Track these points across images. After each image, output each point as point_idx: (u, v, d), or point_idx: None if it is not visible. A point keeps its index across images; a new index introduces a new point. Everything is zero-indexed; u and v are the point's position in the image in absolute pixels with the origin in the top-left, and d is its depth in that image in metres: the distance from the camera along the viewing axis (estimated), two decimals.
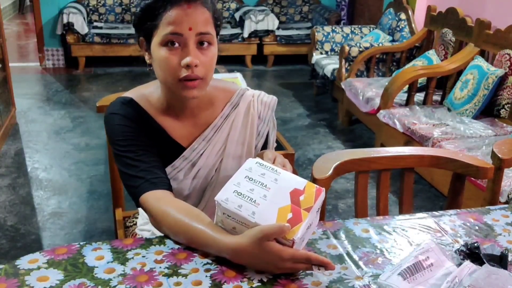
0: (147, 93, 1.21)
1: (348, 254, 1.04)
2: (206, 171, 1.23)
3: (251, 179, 0.99)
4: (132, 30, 5.39)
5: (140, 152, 1.14)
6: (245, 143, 1.24)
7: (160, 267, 0.96)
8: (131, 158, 1.13)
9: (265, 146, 1.31)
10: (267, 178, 0.99)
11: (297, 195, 0.96)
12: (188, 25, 1.06)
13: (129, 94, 1.21)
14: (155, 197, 1.09)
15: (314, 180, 1.32)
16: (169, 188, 1.14)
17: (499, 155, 1.48)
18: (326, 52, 4.84)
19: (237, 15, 5.86)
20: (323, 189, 0.99)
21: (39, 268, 0.95)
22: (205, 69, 1.10)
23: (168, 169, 1.20)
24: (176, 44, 1.08)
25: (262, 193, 0.96)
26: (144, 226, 1.42)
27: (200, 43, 1.09)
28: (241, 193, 0.96)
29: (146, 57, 1.16)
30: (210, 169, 1.23)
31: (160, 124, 1.20)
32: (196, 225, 0.99)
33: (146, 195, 1.09)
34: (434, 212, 1.23)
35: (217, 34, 1.14)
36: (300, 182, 0.98)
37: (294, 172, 1.41)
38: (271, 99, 1.28)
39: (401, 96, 3.46)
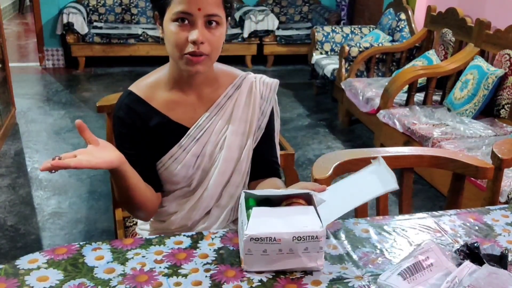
0: (150, 81, 1.29)
1: (348, 254, 1.04)
2: (210, 149, 1.28)
3: None
4: (132, 30, 5.41)
5: (134, 153, 1.23)
6: (247, 120, 1.30)
7: (160, 267, 0.96)
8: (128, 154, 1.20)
9: (269, 133, 1.34)
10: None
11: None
12: (197, 6, 1.12)
13: (131, 87, 1.28)
14: None
15: (314, 180, 1.32)
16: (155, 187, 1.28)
17: (499, 155, 1.48)
18: (326, 52, 4.83)
19: (237, 15, 5.85)
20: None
21: (39, 268, 0.95)
22: (211, 47, 1.16)
23: (174, 149, 1.26)
24: (186, 21, 1.14)
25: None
26: (144, 226, 1.42)
27: (208, 23, 1.15)
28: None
29: (160, 31, 1.23)
30: (214, 147, 1.28)
31: (161, 110, 1.26)
32: None
33: None
34: (434, 212, 1.23)
35: (228, 15, 1.20)
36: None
37: (294, 172, 1.42)
38: (272, 81, 1.35)
39: (401, 96, 3.46)
